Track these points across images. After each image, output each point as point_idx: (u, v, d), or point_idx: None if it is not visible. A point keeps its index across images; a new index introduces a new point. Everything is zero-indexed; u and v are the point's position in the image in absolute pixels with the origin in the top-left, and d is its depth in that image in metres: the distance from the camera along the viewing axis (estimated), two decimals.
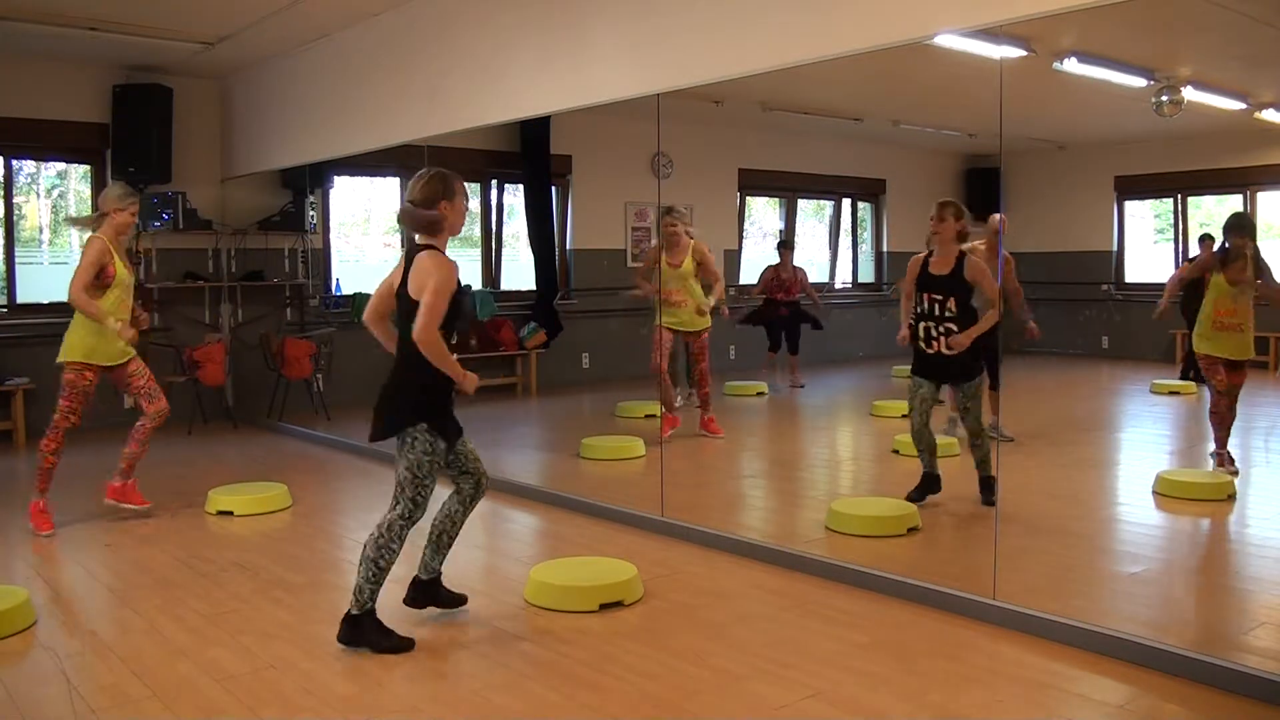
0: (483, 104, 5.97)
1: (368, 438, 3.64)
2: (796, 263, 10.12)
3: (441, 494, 3.77)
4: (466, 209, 3.69)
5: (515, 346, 9.94)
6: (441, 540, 3.83)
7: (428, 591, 3.88)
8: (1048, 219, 12.84)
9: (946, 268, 5.16)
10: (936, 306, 5.15)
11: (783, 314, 9.95)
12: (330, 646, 3.57)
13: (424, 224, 3.56)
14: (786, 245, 10.20)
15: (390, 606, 3.74)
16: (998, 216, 6.82)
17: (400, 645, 3.55)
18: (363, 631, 3.54)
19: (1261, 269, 5.70)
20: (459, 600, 3.94)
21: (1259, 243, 5.73)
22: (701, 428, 7.44)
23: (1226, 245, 5.80)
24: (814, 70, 4.53)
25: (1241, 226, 5.80)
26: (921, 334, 5.20)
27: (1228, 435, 5.94)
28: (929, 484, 5.36)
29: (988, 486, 5.34)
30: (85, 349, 5.04)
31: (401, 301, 3.60)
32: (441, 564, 3.89)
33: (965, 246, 5.22)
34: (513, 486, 5.95)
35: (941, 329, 5.13)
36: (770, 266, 10.09)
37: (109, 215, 5.10)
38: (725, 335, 10.76)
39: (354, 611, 3.55)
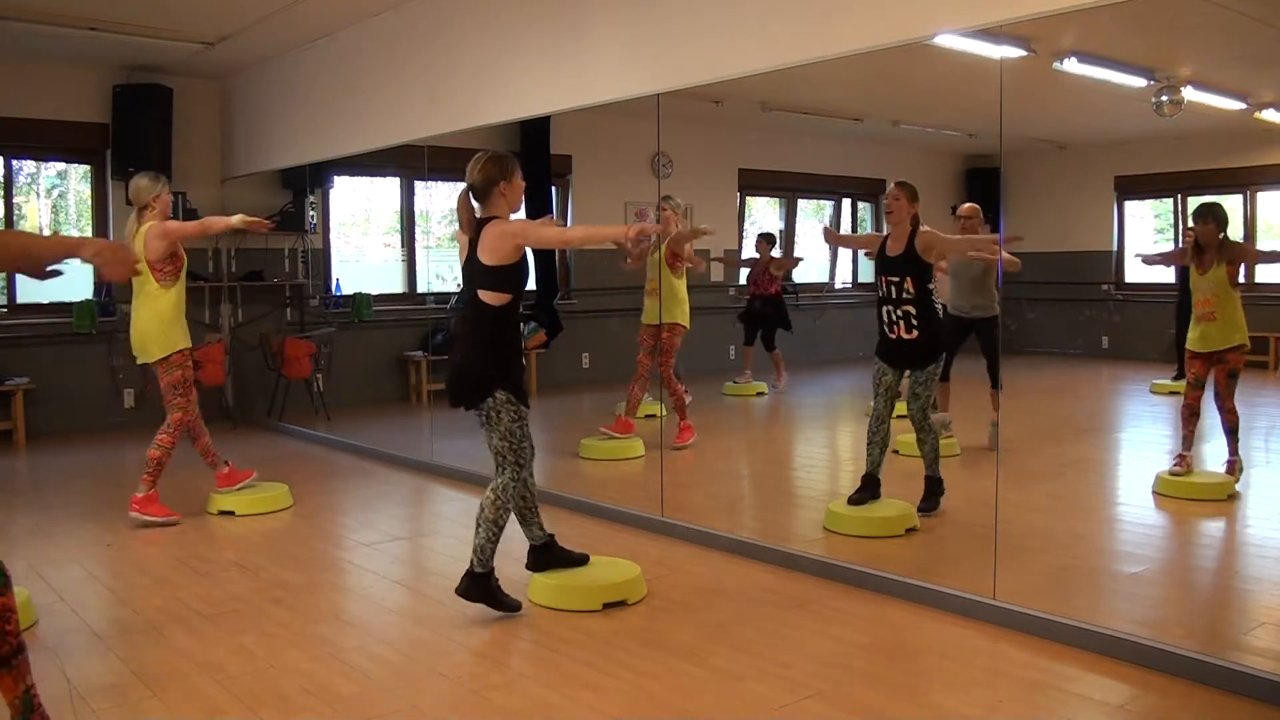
0: (483, 104, 5.97)
1: (449, 402, 3.80)
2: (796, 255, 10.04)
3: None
4: (523, 186, 3.85)
5: None
6: (525, 514, 4.02)
7: (545, 555, 4.07)
8: (1048, 219, 12.83)
9: (900, 248, 4.98)
10: (894, 289, 4.97)
11: (759, 310, 9.91)
12: (330, 646, 3.58)
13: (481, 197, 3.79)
14: (766, 239, 10.09)
15: (395, 598, 3.73)
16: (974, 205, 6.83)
17: (512, 605, 3.83)
18: (486, 589, 3.79)
19: (1236, 251, 5.57)
20: (580, 559, 4.13)
21: (1253, 238, 5.67)
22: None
23: (1196, 237, 5.77)
24: (814, 70, 4.53)
25: (1204, 216, 5.67)
26: (885, 318, 5.04)
27: (1193, 436, 5.78)
28: (870, 486, 5.09)
29: (932, 490, 5.16)
30: (182, 335, 5.22)
31: (473, 270, 3.76)
32: (541, 527, 4.06)
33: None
34: None
35: (900, 312, 4.96)
36: (753, 260, 10.03)
37: (150, 205, 5.20)
38: (726, 335, 10.77)
39: (478, 570, 3.77)
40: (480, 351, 3.75)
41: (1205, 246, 5.66)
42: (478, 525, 3.77)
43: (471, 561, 3.78)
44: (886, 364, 5.13)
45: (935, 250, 5.00)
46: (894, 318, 5.02)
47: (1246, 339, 5.70)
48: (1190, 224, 5.89)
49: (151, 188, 5.20)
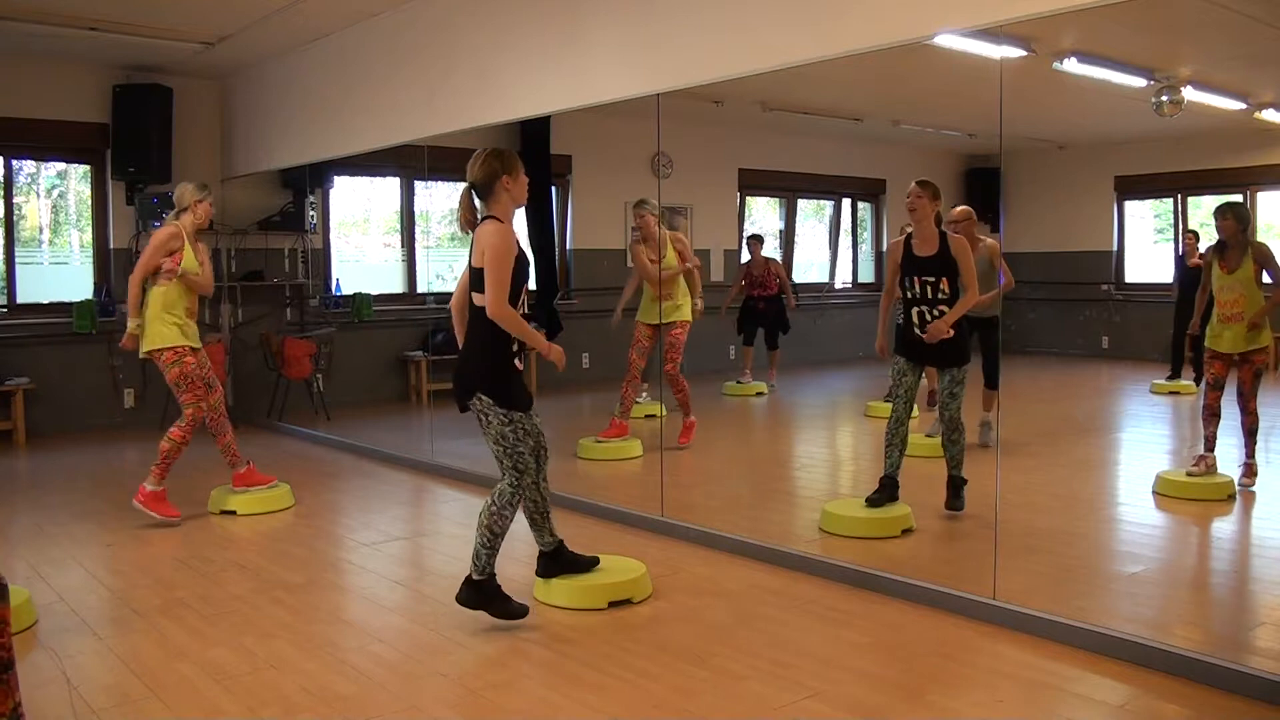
0: (483, 104, 5.97)
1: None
2: (797, 261, 10.06)
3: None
4: (527, 181, 3.76)
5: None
6: (535, 519, 3.94)
7: (554, 560, 4.02)
8: (1048, 219, 12.85)
9: (932, 248, 4.93)
10: (929, 289, 4.93)
11: (760, 310, 9.91)
12: (330, 646, 3.58)
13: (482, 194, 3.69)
14: (756, 239, 10.05)
15: (393, 598, 3.73)
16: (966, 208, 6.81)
17: (517, 611, 3.72)
18: (485, 596, 3.71)
19: (1263, 251, 5.53)
20: (590, 563, 4.07)
21: (1259, 235, 5.64)
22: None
23: (1221, 237, 5.72)
24: (814, 70, 4.54)
25: (1224, 213, 5.62)
26: (915, 319, 5.00)
27: (1214, 437, 5.69)
28: (888, 488, 5.03)
29: (956, 489, 5.12)
30: (166, 335, 5.24)
31: (471, 274, 3.69)
32: (552, 532, 3.99)
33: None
34: None
35: (936, 312, 4.92)
36: (744, 263, 10.02)
37: (189, 209, 5.33)
38: (726, 335, 10.78)
39: (475, 576, 3.70)
40: (472, 354, 3.70)
41: (1230, 245, 5.62)
42: (476, 531, 3.72)
43: (471, 569, 3.72)
44: (911, 360, 5.06)
45: (959, 262, 4.95)
46: (930, 317, 4.96)
47: (1271, 340, 5.67)
48: (1213, 221, 5.85)
49: (195, 193, 5.35)
